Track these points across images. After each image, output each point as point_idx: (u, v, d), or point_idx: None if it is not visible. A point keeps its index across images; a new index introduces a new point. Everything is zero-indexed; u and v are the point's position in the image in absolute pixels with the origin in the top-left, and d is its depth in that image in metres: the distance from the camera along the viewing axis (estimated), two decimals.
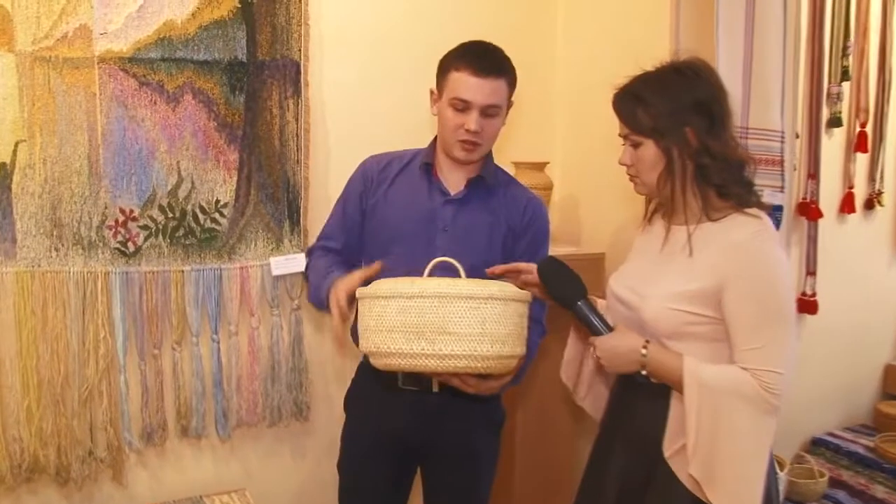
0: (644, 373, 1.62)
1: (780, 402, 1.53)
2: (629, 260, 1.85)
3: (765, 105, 2.18)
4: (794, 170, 2.47)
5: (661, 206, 1.78)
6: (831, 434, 3.22)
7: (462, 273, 1.71)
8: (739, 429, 1.53)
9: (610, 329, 1.66)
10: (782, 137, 2.21)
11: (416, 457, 2.04)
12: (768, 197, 2.27)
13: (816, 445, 3.17)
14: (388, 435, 1.98)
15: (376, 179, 2.01)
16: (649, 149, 1.63)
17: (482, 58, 1.86)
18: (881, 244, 3.41)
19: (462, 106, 1.85)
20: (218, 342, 2.42)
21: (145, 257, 2.30)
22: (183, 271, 2.34)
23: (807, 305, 2.92)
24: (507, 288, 1.64)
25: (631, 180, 1.72)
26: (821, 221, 2.93)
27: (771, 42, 2.18)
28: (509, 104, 1.94)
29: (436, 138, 2.01)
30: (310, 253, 2.14)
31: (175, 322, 2.36)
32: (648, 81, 1.64)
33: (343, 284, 1.77)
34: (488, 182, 1.98)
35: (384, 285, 1.65)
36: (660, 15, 2.35)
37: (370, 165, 2.04)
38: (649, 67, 1.66)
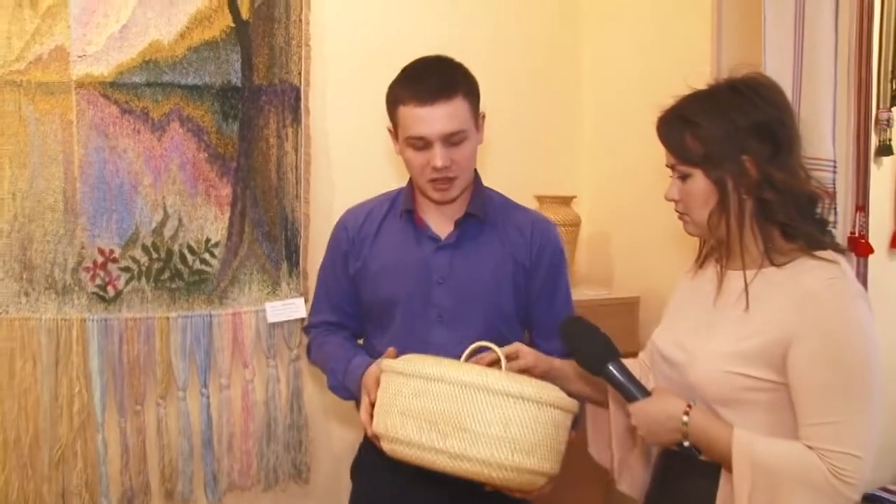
0: (687, 444, 1.35)
1: (857, 495, 1.24)
2: (674, 310, 1.60)
3: (815, 132, 1.98)
4: None
5: (716, 248, 1.54)
6: (886, 489, 2.93)
7: (502, 358, 1.46)
8: None
9: (647, 393, 1.41)
10: (834, 167, 2.05)
11: None
12: None
13: (869, 502, 2.91)
14: None
15: (358, 238, 1.78)
16: (699, 181, 1.38)
17: (424, 80, 1.61)
18: None
19: (420, 144, 1.61)
20: (207, 397, 2.21)
21: (126, 303, 2.09)
22: (168, 318, 2.14)
23: None
24: (548, 390, 1.38)
25: (680, 218, 1.47)
26: (871, 258, 2.72)
27: (822, 65, 2.01)
28: (479, 118, 1.70)
29: (411, 180, 1.78)
30: (308, 331, 1.93)
31: (160, 374, 2.15)
32: (698, 101, 1.40)
33: (373, 374, 1.55)
34: (480, 218, 1.74)
35: (410, 361, 1.43)
36: (698, 33, 2.16)
37: (349, 223, 1.81)
38: (700, 86, 1.43)
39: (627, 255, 2.71)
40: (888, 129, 2.80)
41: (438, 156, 1.59)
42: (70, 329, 2.04)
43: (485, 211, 1.74)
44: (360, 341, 1.88)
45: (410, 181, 1.77)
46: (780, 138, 1.36)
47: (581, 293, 2.44)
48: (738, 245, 1.40)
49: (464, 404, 1.31)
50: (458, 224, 1.72)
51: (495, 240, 1.74)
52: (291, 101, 2.21)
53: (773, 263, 1.37)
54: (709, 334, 1.41)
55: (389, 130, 1.73)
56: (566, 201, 2.52)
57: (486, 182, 1.80)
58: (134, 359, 2.11)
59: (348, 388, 1.70)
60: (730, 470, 1.31)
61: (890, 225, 2.93)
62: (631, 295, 2.54)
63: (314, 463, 2.35)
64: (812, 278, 1.31)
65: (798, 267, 1.34)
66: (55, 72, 1.98)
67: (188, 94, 2.10)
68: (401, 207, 1.76)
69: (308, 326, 1.93)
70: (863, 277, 2.76)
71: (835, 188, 2.12)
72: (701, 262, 1.57)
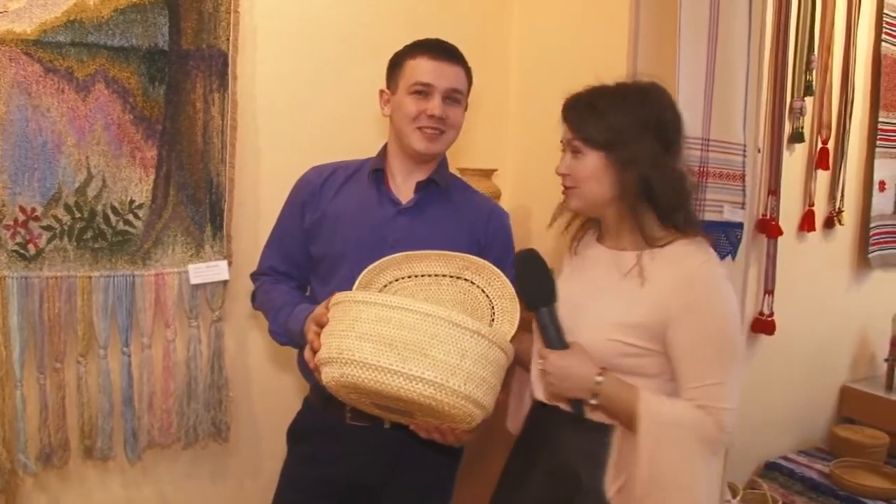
0: (594, 402, 1.51)
1: (730, 440, 1.49)
2: (562, 283, 1.72)
3: (727, 117, 2.10)
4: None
5: (588, 227, 1.72)
6: (785, 458, 3.17)
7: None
8: (697, 471, 1.46)
9: (566, 346, 1.55)
10: (744, 151, 2.16)
11: (364, 501, 1.84)
12: (728, 213, 2.21)
13: (770, 470, 3.13)
14: (334, 477, 1.80)
15: (319, 191, 1.84)
16: (595, 160, 1.54)
17: (438, 45, 1.79)
18: (840, 264, 3.37)
19: (423, 90, 1.74)
20: (129, 356, 2.21)
21: (48, 261, 2.09)
22: (91, 277, 2.14)
23: (764, 325, 2.91)
24: (497, 332, 1.49)
25: (565, 192, 1.62)
26: (780, 239, 2.87)
27: (735, 52, 2.10)
28: (467, 101, 1.83)
29: (386, 146, 1.87)
30: (255, 277, 1.97)
31: (80, 333, 2.15)
32: (606, 94, 1.57)
33: (323, 307, 1.58)
34: (442, 186, 1.82)
35: (370, 293, 1.52)
36: (618, 22, 2.23)
37: (312, 176, 1.88)
38: (608, 81, 1.60)
39: (546, 229, 2.77)
40: (801, 118, 2.94)
41: (437, 105, 1.73)
42: None
43: (447, 181, 1.84)
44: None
45: (384, 148, 1.87)
46: (671, 139, 1.54)
47: None
48: (615, 223, 1.59)
49: (426, 332, 1.38)
50: (419, 187, 1.80)
51: (453, 210, 1.83)
52: (219, 67, 2.21)
53: (650, 245, 1.54)
54: (594, 306, 1.56)
55: (382, 92, 1.83)
56: (487, 174, 2.58)
57: None
58: (55, 317, 2.10)
59: (289, 332, 1.74)
60: (629, 427, 1.48)
61: (800, 208, 3.09)
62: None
63: (234, 422, 2.37)
64: (692, 262, 1.50)
65: (677, 250, 1.53)
66: None
67: (114, 55, 2.09)
68: (370, 167, 1.83)
69: (255, 273, 1.97)
70: (772, 259, 2.93)
71: (743, 170, 2.24)
72: (579, 239, 1.73)
